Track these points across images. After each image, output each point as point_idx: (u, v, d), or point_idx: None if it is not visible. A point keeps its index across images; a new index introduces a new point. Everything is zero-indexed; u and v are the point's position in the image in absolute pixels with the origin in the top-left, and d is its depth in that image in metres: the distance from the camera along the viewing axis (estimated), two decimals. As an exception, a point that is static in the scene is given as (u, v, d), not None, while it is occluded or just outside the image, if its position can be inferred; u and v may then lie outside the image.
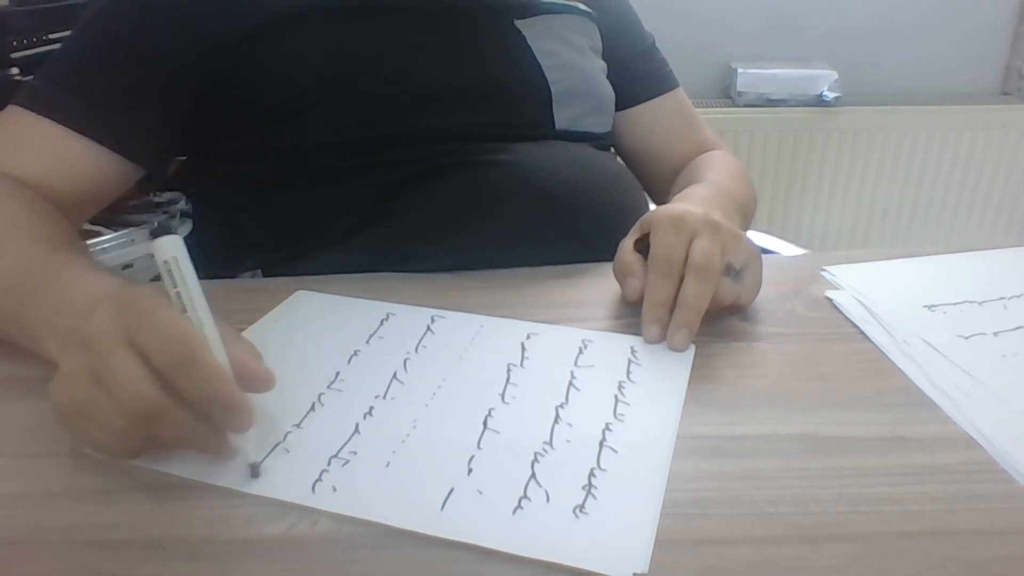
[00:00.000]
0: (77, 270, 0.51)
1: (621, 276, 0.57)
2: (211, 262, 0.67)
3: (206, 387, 0.38)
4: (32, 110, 0.62)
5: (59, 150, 0.62)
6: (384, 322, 0.55)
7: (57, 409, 0.40)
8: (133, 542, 0.36)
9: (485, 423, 0.44)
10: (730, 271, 0.54)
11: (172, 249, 0.41)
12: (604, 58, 0.82)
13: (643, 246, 0.57)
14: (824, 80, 1.76)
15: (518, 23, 0.73)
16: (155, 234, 0.42)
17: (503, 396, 0.47)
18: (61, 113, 0.62)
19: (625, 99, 0.84)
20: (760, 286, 0.57)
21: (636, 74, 0.86)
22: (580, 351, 0.52)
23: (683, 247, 0.53)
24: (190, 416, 0.39)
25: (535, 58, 0.73)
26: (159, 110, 0.66)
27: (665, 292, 0.53)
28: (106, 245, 0.67)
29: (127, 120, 0.64)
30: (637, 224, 0.59)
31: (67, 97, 0.62)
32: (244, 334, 0.53)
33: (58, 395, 0.40)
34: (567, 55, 0.76)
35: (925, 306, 0.57)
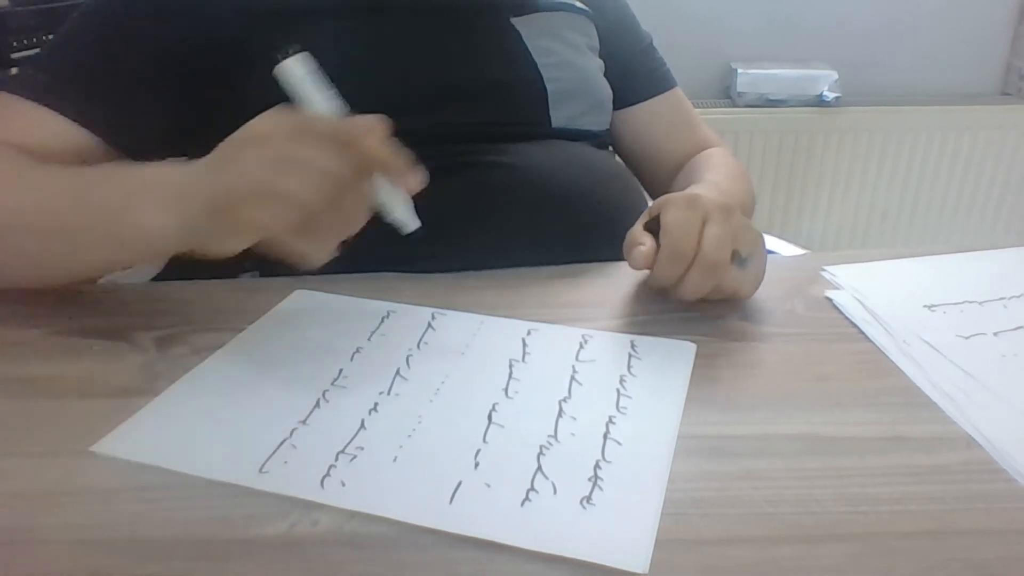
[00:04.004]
0: (145, 165, 0.53)
1: (628, 248, 0.56)
2: (211, 263, 0.67)
3: (375, 151, 0.47)
4: (18, 95, 0.62)
5: (44, 129, 0.62)
6: (385, 319, 0.55)
7: (235, 191, 0.47)
8: (133, 542, 0.36)
9: (490, 417, 0.44)
10: (736, 258, 0.54)
11: (306, 65, 0.50)
12: (602, 57, 0.82)
13: (653, 227, 0.56)
14: (824, 80, 1.76)
15: (514, 21, 0.73)
16: (283, 56, 0.50)
17: (506, 391, 0.47)
18: (46, 96, 0.62)
19: (623, 98, 0.84)
20: (762, 279, 0.57)
21: (634, 73, 0.86)
22: (581, 346, 0.52)
23: (696, 227, 0.53)
24: (361, 191, 0.48)
25: (531, 56, 0.73)
26: (149, 96, 0.66)
27: (671, 278, 0.54)
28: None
29: (102, 98, 0.64)
30: (646, 211, 0.59)
31: (49, 80, 0.63)
32: (244, 334, 0.53)
33: (237, 176, 0.47)
34: (564, 53, 0.76)
35: (925, 306, 0.57)
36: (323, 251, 0.49)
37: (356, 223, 0.49)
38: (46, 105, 0.62)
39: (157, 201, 0.51)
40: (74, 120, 0.63)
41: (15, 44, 1.35)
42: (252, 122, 0.49)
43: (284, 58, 0.48)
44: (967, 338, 0.53)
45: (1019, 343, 0.53)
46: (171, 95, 0.67)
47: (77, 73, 0.64)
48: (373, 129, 0.47)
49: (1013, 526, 0.37)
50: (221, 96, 0.67)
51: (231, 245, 0.50)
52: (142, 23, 0.65)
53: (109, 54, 0.65)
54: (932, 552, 0.35)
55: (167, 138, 0.70)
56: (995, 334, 0.54)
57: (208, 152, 0.72)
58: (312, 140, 0.46)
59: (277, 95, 0.66)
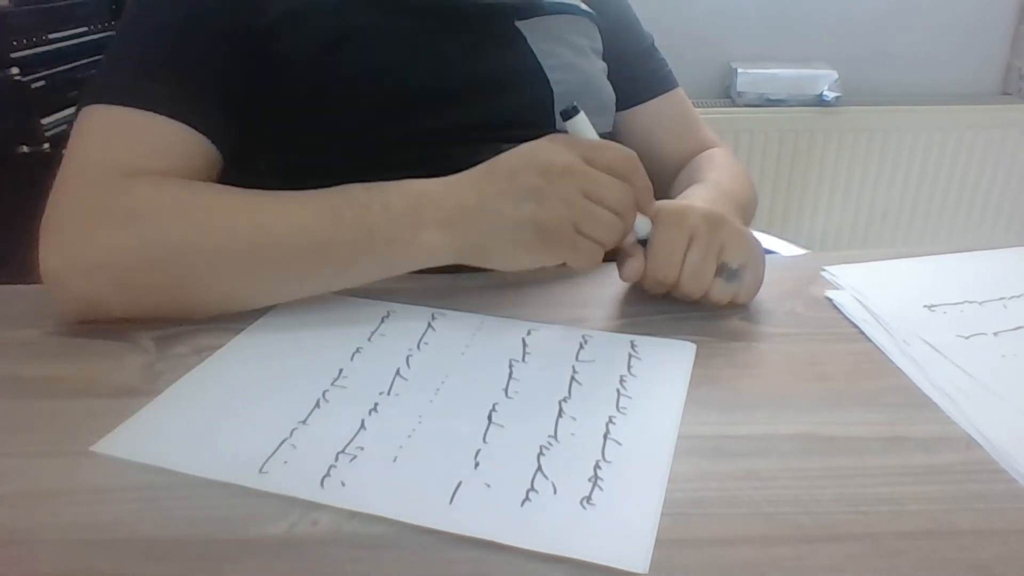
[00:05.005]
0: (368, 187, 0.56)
1: (618, 262, 0.58)
2: None
3: (647, 187, 0.54)
4: (120, 104, 0.59)
5: (164, 138, 0.59)
6: (385, 319, 0.55)
7: (552, 229, 0.51)
8: (133, 542, 0.36)
9: (490, 417, 0.44)
10: (724, 271, 0.54)
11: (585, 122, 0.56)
12: (604, 58, 0.82)
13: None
14: (824, 80, 1.76)
15: (519, 24, 0.73)
16: (567, 114, 0.55)
17: (506, 391, 0.47)
18: (154, 103, 0.59)
19: (625, 99, 0.84)
20: (761, 283, 0.57)
21: (636, 74, 0.86)
22: (581, 346, 0.52)
23: (680, 249, 0.54)
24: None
25: (536, 59, 0.73)
26: (226, 88, 0.64)
27: (657, 294, 0.57)
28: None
29: (210, 102, 0.62)
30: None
31: (152, 85, 0.60)
32: (244, 334, 0.53)
33: (561, 207, 0.51)
34: (568, 56, 0.76)
35: (925, 306, 0.57)
36: (595, 265, 0.54)
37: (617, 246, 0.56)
38: (173, 117, 0.59)
39: (437, 223, 0.53)
40: (202, 132, 0.60)
41: (15, 44, 1.36)
42: (540, 150, 0.53)
43: (574, 113, 0.55)
44: (967, 338, 0.53)
45: (1019, 343, 0.53)
46: (241, 86, 0.65)
47: (190, 80, 0.61)
48: (641, 167, 0.54)
49: (1013, 526, 0.37)
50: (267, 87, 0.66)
51: (523, 264, 0.54)
52: (209, 10, 0.63)
53: (200, 54, 0.62)
54: (932, 552, 0.35)
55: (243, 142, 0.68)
56: (995, 334, 0.54)
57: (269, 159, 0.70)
58: (607, 172, 0.52)
59: (279, 99, 0.66)
